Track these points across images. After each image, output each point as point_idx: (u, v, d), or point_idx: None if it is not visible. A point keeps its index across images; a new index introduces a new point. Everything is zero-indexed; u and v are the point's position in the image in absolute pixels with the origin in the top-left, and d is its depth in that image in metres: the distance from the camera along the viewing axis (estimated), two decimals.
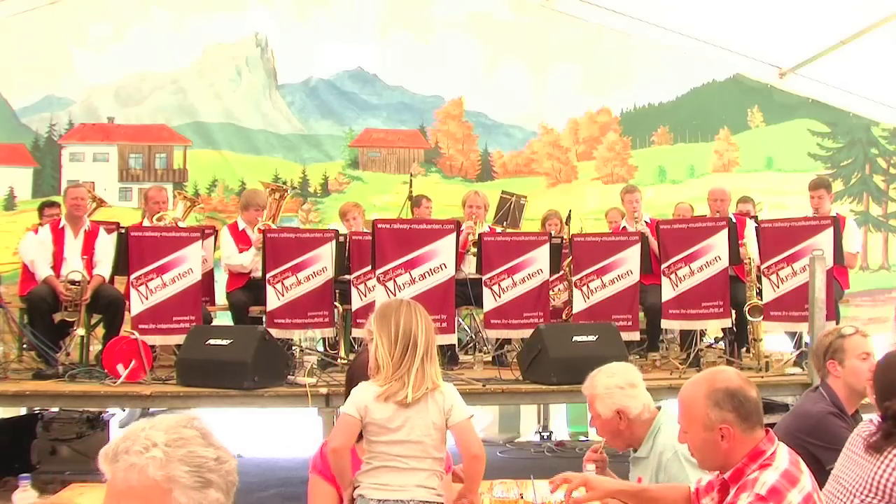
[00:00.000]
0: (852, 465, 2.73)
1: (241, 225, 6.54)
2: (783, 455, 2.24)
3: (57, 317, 5.93)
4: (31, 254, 5.97)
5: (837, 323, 6.28)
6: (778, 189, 9.61)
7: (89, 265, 6.05)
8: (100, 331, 6.25)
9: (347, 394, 2.78)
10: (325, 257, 6.05)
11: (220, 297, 6.91)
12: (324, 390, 5.23)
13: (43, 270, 5.92)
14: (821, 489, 2.50)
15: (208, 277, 6.64)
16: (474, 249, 6.43)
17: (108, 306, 6.05)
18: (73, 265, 6.00)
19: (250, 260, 6.36)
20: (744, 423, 2.23)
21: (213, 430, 1.44)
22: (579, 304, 6.39)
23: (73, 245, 6.06)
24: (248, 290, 6.32)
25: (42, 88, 9.05)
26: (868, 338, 3.34)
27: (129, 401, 5.54)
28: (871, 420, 2.77)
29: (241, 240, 6.45)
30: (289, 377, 5.49)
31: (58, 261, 5.98)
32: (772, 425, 2.95)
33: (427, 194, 7.84)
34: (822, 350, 3.34)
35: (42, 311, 5.81)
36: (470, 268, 6.50)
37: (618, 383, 2.96)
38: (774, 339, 6.69)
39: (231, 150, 9.36)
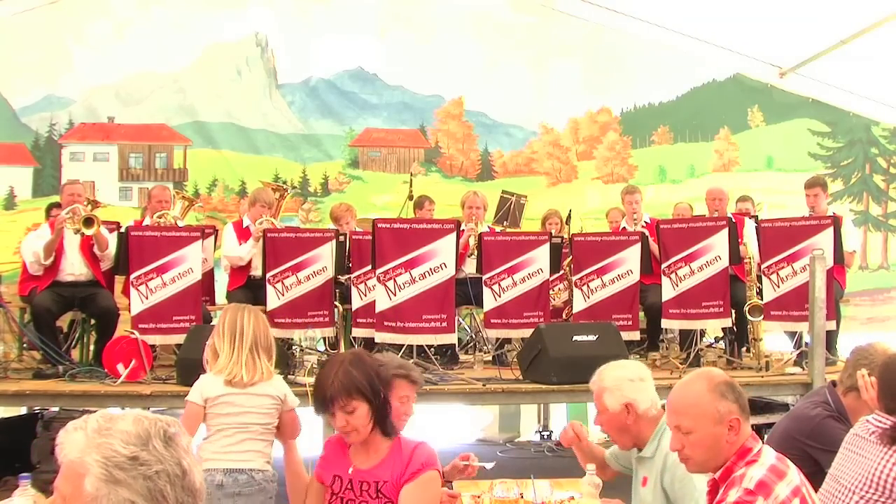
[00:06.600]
0: (851, 463, 2.73)
1: (246, 222, 6.53)
2: (769, 452, 2.29)
3: (66, 317, 5.92)
4: (31, 256, 5.95)
5: (838, 323, 6.29)
6: (778, 189, 9.61)
7: (88, 257, 6.04)
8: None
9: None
10: (325, 257, 6.05)
11: (220, 296, 6.90)
12: None
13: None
14: (817, 491, 2.51)
15: (208, 277, 6.62)
16: (476, 252, 6.42)
17: (101, 315, 6.02)
18: (73, 258, 5.99)
19: (247, 251, 6.32)
20: (743, 414, 2.29)
21: (177, 438, 1.41)
22: (579, 304, 6.39)
23: (72, 237, 6.01)
24: (247, 290, 6.30)
25: (42, 88, 9.05)
26: None
27: (130, 400, 5.53)
28: (867, 419, 2.77)
29: (244, 236, 6.43)
30: (289, 377, 5.47)
31: (58, 253, 5.97)
32: (770, 425, 2.96)
33: (428, 195, 7.76)
34: (871, 366, 3.08)
35: (46, 320, 5.79)
36: (470, 267, 6.50)
37: (627, 375, 2.92)
38: (774, 338, 6.69)
39: (231, 149, 9.36)
